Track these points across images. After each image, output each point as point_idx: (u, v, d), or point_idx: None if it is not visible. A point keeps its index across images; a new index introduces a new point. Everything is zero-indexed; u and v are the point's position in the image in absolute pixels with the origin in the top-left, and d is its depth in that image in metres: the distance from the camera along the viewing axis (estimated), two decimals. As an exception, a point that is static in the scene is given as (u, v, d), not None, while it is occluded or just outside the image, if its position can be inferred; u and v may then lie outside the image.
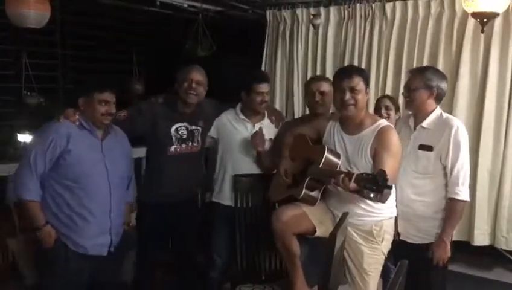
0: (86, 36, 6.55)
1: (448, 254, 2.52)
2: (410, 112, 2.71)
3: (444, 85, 2.58)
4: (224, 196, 3.03)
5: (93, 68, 6.49)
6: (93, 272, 2.53)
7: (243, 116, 3.03)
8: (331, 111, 2.95)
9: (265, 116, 3.08)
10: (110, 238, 2.56)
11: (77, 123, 2.48)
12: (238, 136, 3.01)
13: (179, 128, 2.91)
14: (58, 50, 6.39)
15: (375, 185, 1.98)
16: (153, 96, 3.02)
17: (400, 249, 2.55)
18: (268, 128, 3.04)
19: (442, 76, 2.63)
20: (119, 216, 2.63)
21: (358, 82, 2.35)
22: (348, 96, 2.34)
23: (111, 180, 2.54)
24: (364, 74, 2.43)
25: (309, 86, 3.01)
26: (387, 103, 3.09)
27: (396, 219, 2.53)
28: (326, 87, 2.92)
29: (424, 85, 2.53)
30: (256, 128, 2.99)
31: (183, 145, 2.94)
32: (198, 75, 2.87)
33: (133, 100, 5.80)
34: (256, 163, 3.02)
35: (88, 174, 2.46)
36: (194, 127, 2.97)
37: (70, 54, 6.48)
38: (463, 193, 2.48)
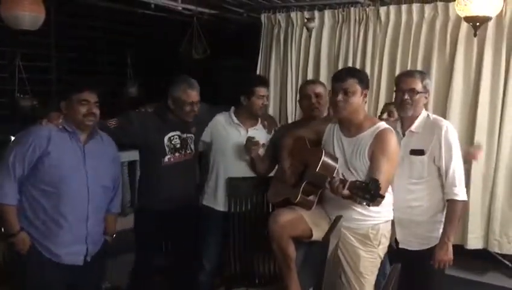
0: (81, 38, 6.52)
1: (450, 256, 2.49)
2: (394, 118, 2.71)
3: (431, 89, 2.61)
4: (217, 200, 3.01)
5: (88, 71, 6.46)
6: (68, 281, 2.45)
7: (236, 121, 3.01)
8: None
9: (259, 122, 3.07)
10: (86, 247, 2.47)
11: (60, 126, 2.41)
12: (231, 140, 2.99)
13: (172, 138, 2.88)
14: (53, 52, 6.36)
15: (368, 193, 2.00)
16: (142, 106, 2.98)
17: (399, 256, 2.55)
18: (261, 133, 3.03)
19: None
20: (97, 225, 2.53)
21: (351, 84, 2.34)
22: (339, 97, 2.34)
23: (90, 187, 2.44)
24: (361, 76, 2.41)
25: (305, 88, 3.00)
26: (392, 108, 3.06)
27: (393, 225, 2.52)
28: (321, 89, 2.94)
29: (424, 89, 2.52)
30: (250, 133, 2.98)
31: (177, 154, 2.91)
32: (196, 96, 2.84)
33: (127, 103, 5.79)
34: (249, 168, 3.01)
35: (66, 178, 2.38)
36: (186, 135, 2.95)
37: (64, 56, 6.45)
38: (461, 193, 2.47)
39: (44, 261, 2.38)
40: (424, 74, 2.63)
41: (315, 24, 4.19)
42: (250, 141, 2.87)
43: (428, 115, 2.55)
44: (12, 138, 5.76)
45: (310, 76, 4.26)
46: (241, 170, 2.99)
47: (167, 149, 2.87)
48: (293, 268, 2.47)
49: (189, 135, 2.95)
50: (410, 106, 2.50)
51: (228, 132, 3.00)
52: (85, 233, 2.46)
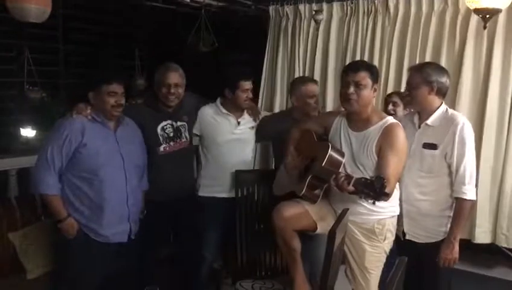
0: (88, 31, 6.54)
1: (456, 255, 2.47)
2: (412, 110, 2.69)
3: (444, 79, 2.50)
4: (216, 189, 3.04)
5: (95, 63, 6.48)
6: (116, 259, 2.59)
7: (225, 111, 3.04)
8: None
9: (245, 111, 3.11)
10: (129, 226, 2.64)
11: (89, 117, 2.53)
12: (222, 129, 3.03)
13: (165, 127, 2.91)
14: (60, 45, 6.39)
15: (373, 191, 1.98)
16: (132, 98, 3.00)
17: (406, 248, 2.54)
18: (248, 122, 3.10)
19: (441, 70, 2.56)
20: (135, 204, 2.69)
21: (364, 77, 2.32)
22: (351, 90, 2.32)
23: (127, 169, 2.60)
24: (372, 70, 2.39)
25: (304, 89, 3.02)
26: (395, 99, 3.06)
27: (400, 218, 2.51)
28: (316, 88, 3.06)
29: (423, 81, 2.48)
30: (242, 122, 3.05)
31: (172, 143, 2.93)
32: (175, 78, 2.85)
33: (135, 95, 5.80)
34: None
35: (104, 166, 2.52)
36: (179, 123, 2.96)
37: (72, 48, 6.48)
38: (470, 192, 2.42)
39: (91, 243, 2.55)
40: (423, 68, 2.58)
41: (323, 16, 4.17)
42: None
43: (447, 109, 2.51)
44: (21, 130, 5.84)
45: (317, 69, 4.24)
46: (233, 159, 3.02)
47: (161, 138, 2.89)
48: (298, 260, 2.48)
49: (181, 124, 2.97)
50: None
51: (218, 122, 3.04)
52: (127, 213, 2.63)
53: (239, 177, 2.97)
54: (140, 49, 6.71)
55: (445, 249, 2.46)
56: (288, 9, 4.41)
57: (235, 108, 3.04)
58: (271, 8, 4.52)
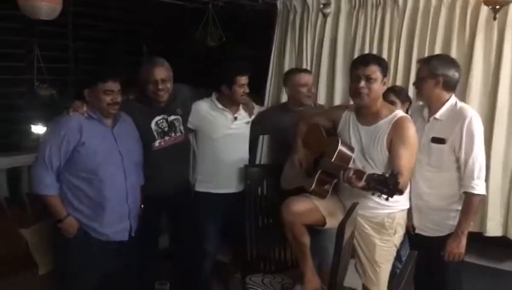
0: (97, 28, 6.56)
1: (462, 249, 2.46)
2: (421, 103, 2.67)
3: (451, 72, 2.47)
4: (214, 184, 3.05)
5: (104, 60, 6.51)
6: (117, 257, 2.59)
7: (221, 106, 3.04)
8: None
9: (240, 106, 3.11)
10: (129, 223, 2.64)
11: (85, 115, 2.49)
12: (218, 126, 3.02)
13: (159, 122, 2.89)
14: (70, 42, 6.42)
15: (386, 187, 1.96)
16: (124, 94, 2.99)
17: (415, 242, 2.53)
18: (244, 117, 3.12)
19: (449, 63, 2.52)
20: (135, 201, 2.68)
21: (374, 71, 2.31)
22: (362, 84, 2.31)
23: (126, 167, 2.59)
24: (382, 63, 2.38)
25: (298, 78, 3.07)
26: (392, 98, 2.98)
27: (410, 211, 2.50)
28: (310, 79, 3.11)
29: (429, 74, 2.46)
30: (239, 117, 3.06)
31: (166, 138, 2.92)
32: (162, 73, 2.82)
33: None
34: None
35: (103, 164, 2.50)
36: (173, 117, 2.95)
37: (81, 45, 6.50)
38: (479, 187, 2.39)
39: (92, 241, 2.54)
40: (429, 60, 2.58)
41: (331, 9, 4.13)
42: None
43: (456, 103, 2.48)
44: (32, 127, 5.88)
45: (325, 62, 4.21)
46: (229, 154, 3.02)
47: (155, 134, 2.88)
48: (307, 255, 2.48)
49: (175, 117, 2.96)
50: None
51: (215, 116, 3.03)
52: (127, 210, 2.62)
53: (247, 171, 2.97)
54: (148, 45, 6.72)
55: (452, 243, 2.45)
56: (296, 2, 4.37)
57: (231, 103, 3.04)
58: (279, 2, 4.49)
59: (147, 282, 2.47)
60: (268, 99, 4.46)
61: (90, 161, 2.47)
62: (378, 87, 2.33)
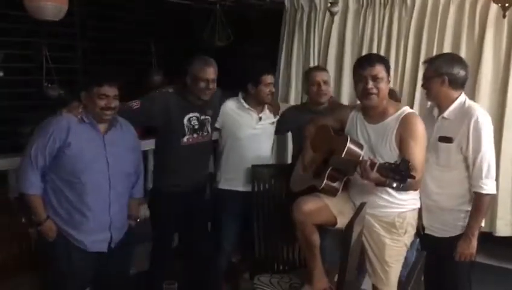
0: (105, 28, 6.58)
1: (473, 250, 2.44)
2: (430, 103, 2.66)
3: (456, 70, 2.44)
4: (235, 182, 3.09)
5: (113, 60, 6.53)
6: (95, 267, 2.50)
7: (247, 106, 3.09)
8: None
9: (266, 106, 3.16)
10: (109, 234, 2.51)
11: (79, 117, 2.43)
12: (244, 124, 3.08)
13: (191, 119, 2.92)
14: (78, 42, 6.44)
15: (398, 174, 1.93)
16: (164, 86, 3.04)
17: (425, 242, 2.51)
18: (268, 118, 3.18)
19: (454, 61, 2.49)
20: (119, 212, 2.56)
21: (380, 70, 2.31)
22: (370, 84, 2.30)
23: (111, 175, 2.47)
24: (385, 62, 2.39)
25: (311, 75, 3.10)
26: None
27: (420, 211, 2.48)
28: (327, 76, 3.11)
29: (434, 73, 2.46)
30: (263, 117, 3.11)
31: (195, 135, 2.95)
32: (213, 73, 2.85)
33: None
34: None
35: (87, 169, 2.40)
36: (204, 117, 2.98)
37: (89, 46, 6.52)
38: (488, 187, 2.37)
39: (71, 248, 2.44)
40: (434, 60, 2.56)
41: (339, 8, 4.12)
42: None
43: (465, 101, 2.46)
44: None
45: (332, 61, 4.21)
46: (254, 153, 3.07)
47: (186, 129, 2.90)
48: (317, 255, 2.48)
49: (206, 117, 3.00)
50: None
51: (241, 116, 3.09)
52: (108, 221, 2.49)
53: (255, 171, 2.97)
54: (156, 45, 6.73)
55: (463, 244, 2.43)
56: (304, 1, 4.37)
57: (257, 103, 3.09)
58: (286, 1, 4.49)
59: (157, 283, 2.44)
60: (277, 98, 4.45)
61: (74, 163, 2.38)
62: (385, 86, 2.33)
